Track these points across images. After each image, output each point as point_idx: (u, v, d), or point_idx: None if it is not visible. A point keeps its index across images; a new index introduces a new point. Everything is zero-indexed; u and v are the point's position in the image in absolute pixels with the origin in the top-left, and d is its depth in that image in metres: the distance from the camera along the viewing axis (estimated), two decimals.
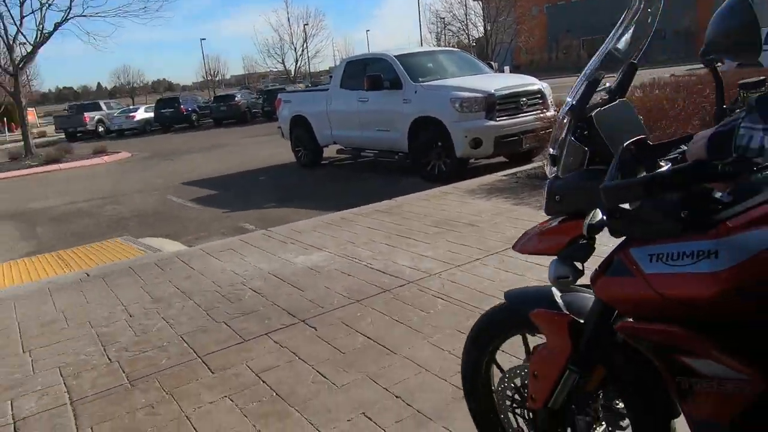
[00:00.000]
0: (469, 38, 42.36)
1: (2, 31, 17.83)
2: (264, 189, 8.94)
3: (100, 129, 28.54)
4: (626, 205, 1.09)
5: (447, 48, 13.47)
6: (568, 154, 1.32)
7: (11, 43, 17.82)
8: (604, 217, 1.17)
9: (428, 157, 7.83)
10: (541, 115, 7.68)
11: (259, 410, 2.34)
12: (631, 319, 1.18)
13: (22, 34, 18.16)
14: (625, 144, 1.12)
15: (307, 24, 51.58)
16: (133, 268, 4.55)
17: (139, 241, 6.02)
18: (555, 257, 1.32)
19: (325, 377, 2.54)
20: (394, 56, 8.67)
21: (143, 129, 27.85)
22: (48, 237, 7.20)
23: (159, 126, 27.68)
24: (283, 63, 52.80)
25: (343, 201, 6.73)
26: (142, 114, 28.63)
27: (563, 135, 1.34)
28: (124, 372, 2.78)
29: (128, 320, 3.44)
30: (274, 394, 2.45)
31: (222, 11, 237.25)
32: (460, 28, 42.17)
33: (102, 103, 32.13)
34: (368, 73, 8.72)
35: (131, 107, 33.03)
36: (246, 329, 3.13)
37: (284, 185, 9.12)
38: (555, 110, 7.74)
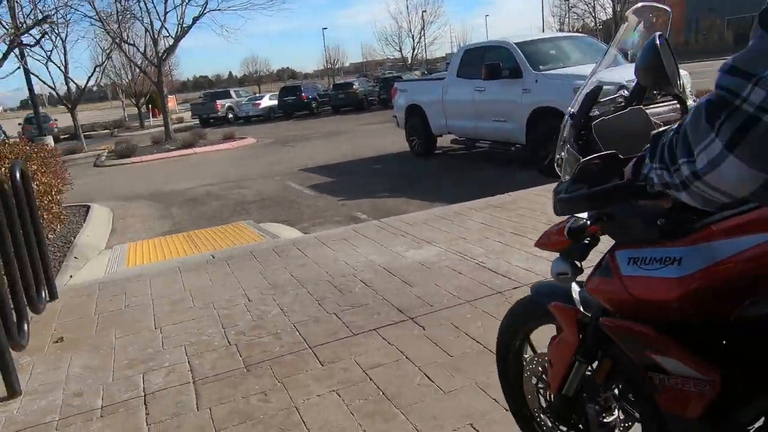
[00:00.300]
0: (595, 21, 39.97)
1: (149, 26, 19.63)
2: (378, 178, 9.05)
3: (230, 115, 30.57)
4: (583, 214, 1.25)
5: (571, 33, 12.74)
6: (568, 160, 1.38)
7: (156, 36, 19.58)
8: (587, 222, 1.29)
9: (547, 149, 7.46)
10: (678, 105, 7.01)
11: (365, 408, 2.34)
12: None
13: (165, 28, 19.94)
14: (583, 159, 1.19)
15: (425, 11, 51.59)
16: (254, 252, 4.78)
17: (260, 226, 6.33)
18: (558, 254, 1.42)
19: (432, 380, 2.49)
20: (515, 43, 8.34)
21: (268, 116, 29.41)
22: (181, 217, 7.82)
23: (282, 113, 29.08)
24: (400, 50, 53.30)
25: (455, 192, 6.62)
26: (266, 101, 30.23)
27: (564, 142, 1.41)
28: (241, 356, 2.91)
29: (247, 305, 3.62)
30: (381, 393, 2.44)
31: (343, 1, 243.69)
32: (585, 10, 39.89)
33: (232, 91, 34.41)
34: (486, 61, 8.48)
35: (257, 95, 34.98)
36: (355, 323, 3.16)
37: (398, 174, 9.17)
38: (694, 99, 7.03)
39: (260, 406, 2.44)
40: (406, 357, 2.72)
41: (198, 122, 30.96)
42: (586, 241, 1.38)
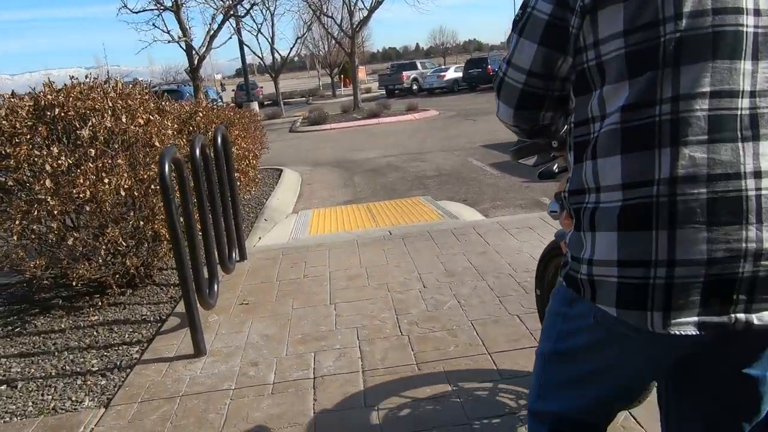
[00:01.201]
0: None
1: None
2: None
3: (414, 87, 30.95)
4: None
5: None
6: None
7: (352, 8, 20.31)
8: (556, 169, 1.61)
9: None
10: None
11: None
12: None
13: (361, 0, 20.49)
14: None
15: None
16: (431, 233, 4.57)
17: (438, 204, 6.12)
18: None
19: (640, 424, 2.02)
20: None
21: (451, 88, 29.20)
22: (362, 187, 7.95)
23: (465, 85, 28.65)
24: None
25: None
26: (451, 74, 30.00)
27: None
28: (412, 350, 2.70)
29: (422, 291, 3.41)
30: None
31: None
32: None
33: (418, 63, 34.72)
34: None
35: (442, 67, 34.92)
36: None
37: None
38: None
39: (432, 417, 2.19)
40: None
41: (384, 93, 31.88)
42: None
